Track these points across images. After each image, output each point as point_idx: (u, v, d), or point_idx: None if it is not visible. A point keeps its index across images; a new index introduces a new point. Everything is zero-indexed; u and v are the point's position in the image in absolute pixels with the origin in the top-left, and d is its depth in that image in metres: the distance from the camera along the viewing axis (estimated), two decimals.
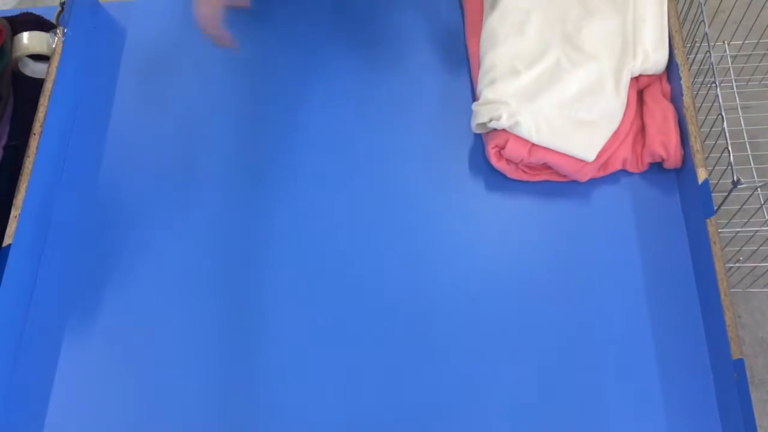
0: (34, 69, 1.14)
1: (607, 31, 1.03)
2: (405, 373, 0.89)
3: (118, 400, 0.90)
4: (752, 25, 1.21)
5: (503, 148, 0.96)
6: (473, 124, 1.00)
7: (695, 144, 0.93)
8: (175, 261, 0.98)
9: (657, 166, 0.99)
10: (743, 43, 1.25)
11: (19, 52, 1.11)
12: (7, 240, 0.94)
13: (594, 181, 0.98)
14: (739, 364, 0.79)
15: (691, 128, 0.95)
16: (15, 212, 0.96)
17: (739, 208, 0.98)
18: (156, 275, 0.98)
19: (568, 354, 0.87)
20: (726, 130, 0.91)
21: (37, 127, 1.02)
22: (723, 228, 1.00)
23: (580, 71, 1.00)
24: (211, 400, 0.89)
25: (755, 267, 1.10)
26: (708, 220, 0.87)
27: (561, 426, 0.84)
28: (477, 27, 1.11)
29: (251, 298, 0.95)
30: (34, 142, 1.01)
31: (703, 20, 1.00)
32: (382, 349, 0.91)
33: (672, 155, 0.95)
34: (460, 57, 1.13)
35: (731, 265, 1.09)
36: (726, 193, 0.88)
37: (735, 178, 0.85)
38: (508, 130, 0.95)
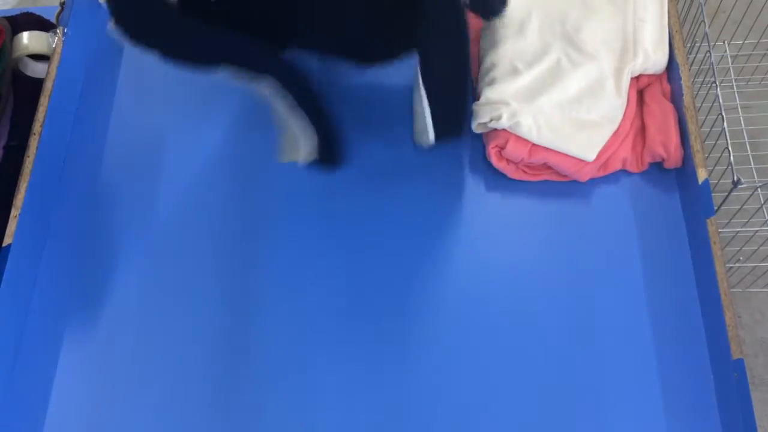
0: (34, 69, 1.14)
1: (607, 31, 1.03)
2: (404, 371, 0.89)
3: (118, 400, 0.90)
4: (752, 25, 1.21)
5: (504, 148, 0.96)
6: (474, 123, 1.00)
7: (695, 144, 0.93)
8: (175, 260, 0.98)
9: (657, 166, 0.99)
10: (743, 43, 1.25)
11: (19, 52, 1.11)
12: (7, 240, 0.94)
13: (594, 181, 0.98)
14: (739, 364, 0.79)
15: (691, 128, 0.94)
16: (15, 212, 0.96)
17: (739, 208, 0.98)
18: (156, 275, 0.98)
19: (567, 353, 0.87)
20: (726, 130, 0.91)
21: (37, 127, 1.02)
22: (723, 228, 1.00)
23: (580, 71, 1.00)
24: (211, 402, 0.89)
25: (755, 267, 1.10)
26: (708, 220, 0.87)
27: (561, 425, 0.84)
28: (477, 27, 1.11)
29: (252, 299, 0.95)
30: (34, 142, 1.01)
31: (703, 20, 1.00)
32: (382, 345, 0.91)
33: (672, 155, 0.95)
34: None
35: (731, 265, 1.09)
36: (726, 193, 0.88)
37: (735, 178, 0.85)
38: (508, 130, 0.95)
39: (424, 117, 0.88)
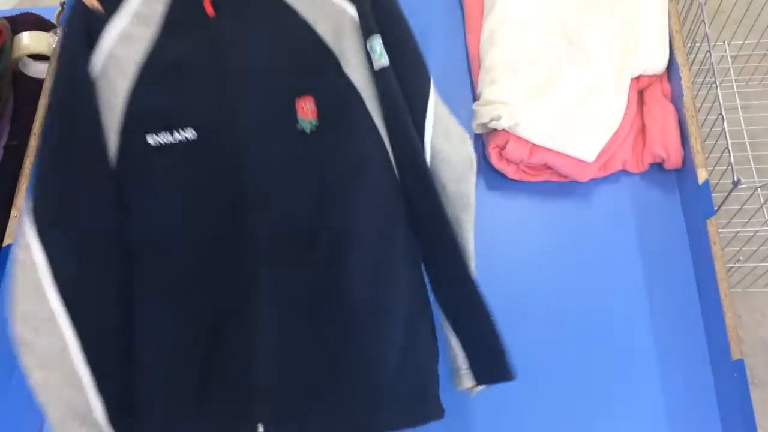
0: (34, 69, 1.14)
1: (607, 32, 1.03)
2: None
3: None
4: (752, 25, 1.21)
5: (504, 148, 0.96)
6: (474, 124, 1.00)
7: (695, 144, 0.93)
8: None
9: (657, 167, 0.99)
10: (743, 43, 1.24)
11: (19, 52, 1.11)
12: (7, 240, 0.94)
13: (594, 181, 0.98)
14: (739, 364, 0.79)
15: (692, 128, 0.94)
16: (15, 212, 0.96)
17: (739, 208, 0.98)
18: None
19: (567, 354, 0.87)
20: (726, 130, 0.91)
21: (37, 127, 1.02)
22: (723, 228, 1.00)
23: (580, 71, 1.00)
24: None
25: (755, 267, 1.10)
26: (708, 220, 0.87)
27: (561, 425, 0.84)
28: (477, 27, 1.11)
29: None
30: (34, 142, 1.01)
31: (703, 20, 1.00)
32: None
33: (672, 155, 0.95)
34: (460, 57, 1.13)
35: (731, 265, 1.09)
36: (726, 193, 0.88)
37: (735, 179, 0.85)
38: (508, 130, 0.95)
39: (456, 356, 0.76)
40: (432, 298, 0.78)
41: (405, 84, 0.73)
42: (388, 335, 0.72)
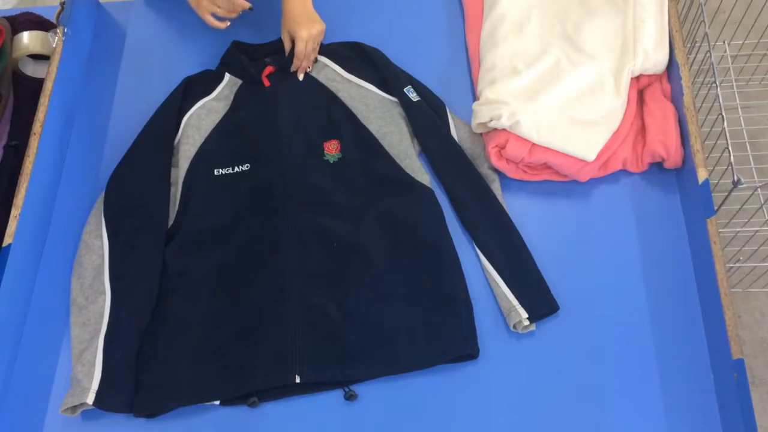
0: (34, 69, 1.14)
1: (607, 31, 1.03)
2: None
3: None
4: (752, 25, 1.21)
5: (504, 147, 0.96)
6: (474, 123, 1.00)
7: (695, 144, 0.93)
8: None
9: (657, 166, 0.99)
10: (743, 43, 1.25)
11: (19, 52, 1.11)
12: (7, 240, 0.94)
13: (594, 181, 0.98)
14: (739, 364, 0.79)
15: (691, 128, 0.94)
16: (15, 212, 0.96)
17: (739, 208, 0.98)
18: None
19: (567, 353, 0.87)
20: (726, 130, 0.91)
21: (37, 127, 1.02)
22: (723, 228, 1.00)
23: (580, 71, 1.00)
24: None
25: (755, 267, 1.10)
26: (708, 220, 0.87)
27: (561, 425, 0.84)
28: (477, 27, 1.11)
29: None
30: (34, 142, 1.01)
31: (703, 20, 1.00)
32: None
33: (672, 155, 0.95)
34: (460, 57, 1.13)
35: (731, 265, 1.09)
36: (726, 193, 0.88)
37: (735, 178, 0.85)
38: (508, 129, 0.95)
39: (506, 296, 0.89)
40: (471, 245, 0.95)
41: (431, 106, 1.05)
42: (407, 293, 0.90)
